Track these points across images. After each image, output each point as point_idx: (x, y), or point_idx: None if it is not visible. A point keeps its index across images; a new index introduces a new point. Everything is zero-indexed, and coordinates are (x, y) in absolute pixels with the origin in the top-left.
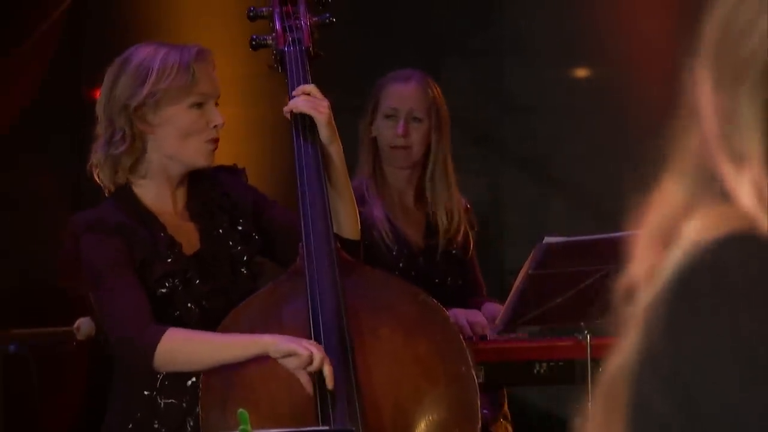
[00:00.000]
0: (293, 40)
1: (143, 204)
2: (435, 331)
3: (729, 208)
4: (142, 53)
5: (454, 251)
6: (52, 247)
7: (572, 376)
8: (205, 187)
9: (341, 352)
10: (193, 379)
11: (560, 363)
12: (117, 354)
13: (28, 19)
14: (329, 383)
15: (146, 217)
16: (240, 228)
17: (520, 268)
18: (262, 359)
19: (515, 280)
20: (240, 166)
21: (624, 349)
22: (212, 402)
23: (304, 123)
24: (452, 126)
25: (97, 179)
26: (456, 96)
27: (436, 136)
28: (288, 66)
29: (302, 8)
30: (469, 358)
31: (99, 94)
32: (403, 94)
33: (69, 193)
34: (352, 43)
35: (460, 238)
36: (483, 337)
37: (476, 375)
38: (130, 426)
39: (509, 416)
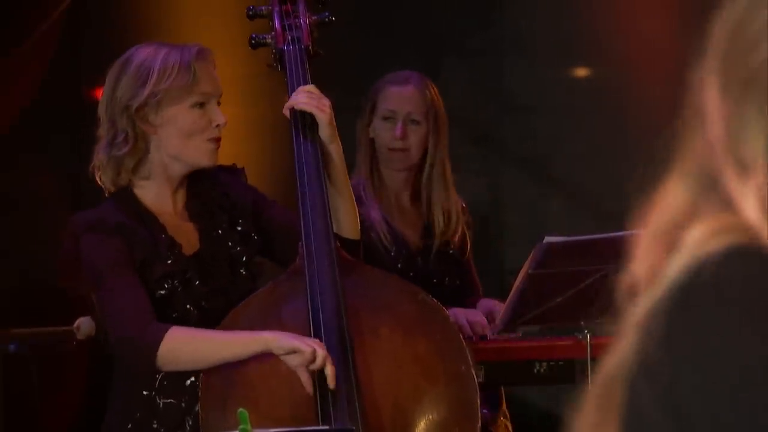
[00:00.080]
0: (292, 39)
1: (143, 204)
2: (435, 330)
3: (732, 217)
4: (142, 54)
5: (451, 251)
6: (52, 247)
7: (572, 375)
8: (205, 186)
9: (341, 351)
10: (192, 378)
11: (560, 362)
12: (119, 354)
13: (27, 19)
14: (331, 383)
15: (146, 218)
16: (239, 228)
17: (520, 268)
18: (263, 358)
19: (515, 280)
20: (239, 165)
21: (621, 351)
22: (212, 401)
23: (304, 122)
24: (452, 126)
25: (99, 181)
26: (456, 96)
27: (434, 139)
28: (287, 65)
29: (301, 7)
30: (469, 357)
31: (101, 96)
32: (401, 96)
33: (69, 193)
34: (352, 42)
35: (457, 238)
36: (483, 337)
37: (476, 374)
38: (130, 426)
39: (509, 415)
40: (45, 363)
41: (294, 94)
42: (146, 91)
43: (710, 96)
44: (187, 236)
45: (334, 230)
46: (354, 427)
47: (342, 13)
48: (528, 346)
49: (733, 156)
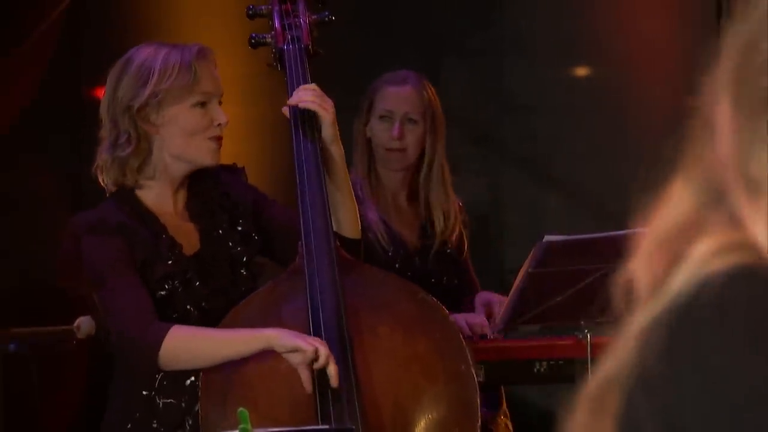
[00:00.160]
0: (292, 38)
1: (144, 205)
2: (434, 329)
3: (738, 234)
4: (143, 54)
5: (448, 251)
6: (52, 247)
7: (572, 374)
8: (205, 186)
9: (341, 350)
10: (192, 378)
11: (560, 362)
12: (121, 353)
13: (27, 19)
14: (334, 382)
15: (147, 218)
16: (240, 228)
17: (520, 267)
18: (262, 357)
19: (515, 279)
20: (240, 165)
21: (618, 358)
22: (212, 401)
23: (304, 121)
24: (452, 126)
25: (101, 182)
26: (456, 96)
27: (432, 139)
28: (287, 64)
29: (301, 6)
30: (469, 357)
31: (101, 96)
32: (398, 96)
33: (69, 193)
34: (352, 41)
35: (454, 237)
36: (483, 336)
37: (476, 374)
38: (129, 425)
39: (509, 414)
40: (45, 362)
41: (297, 91)
42: (147, 91)
43: (721, 109)
44: (188, 236)
45: (335, 229)
46: (354, 427)
47: (342, 12)
48: (528, 345)
49: (742, 173)
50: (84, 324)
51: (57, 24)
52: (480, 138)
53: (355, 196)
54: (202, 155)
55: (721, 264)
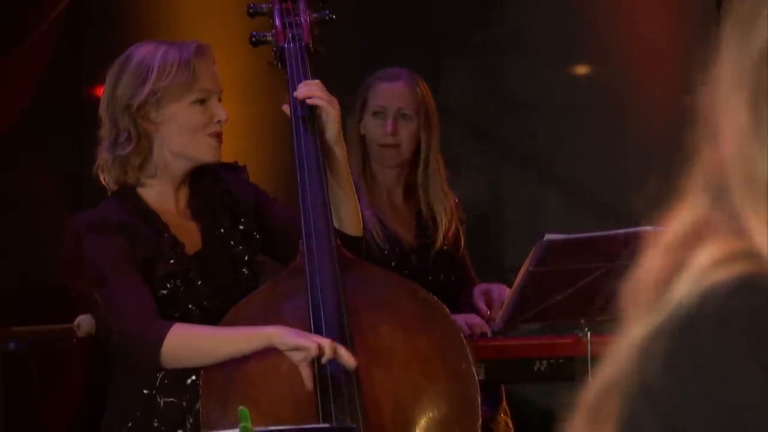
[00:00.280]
0: (293, 37)
1: (146, 203)
2: (435, 328)
3: (741, 242)
4: (141, 52)
5: (445, 247)
6: (52, 246)
7: (572, 373)
8: (207, 183)
9: None
10: (193, 377)
11: (560, 360)
12: (122, 351)
13: (26, 19)
14: (350, 363)
15: (149, 216)
16: (241, 227)
17: (521, 266)
18: (264, 356)
19: (516, 278)
20: (241, 163)
21: (617, 367)
22: (213, 399)
23: (305, 118)
24: (452, 124)
25: (103, 182)
26: (456, 94)
27: (426, 134)
28: (288, 62)
29: (302, 5)
30: (470, 355)
31: (101, 96)
32: (391, 92)
33: (69, 193)
34: (353, 40)
35: (450, 234)
36: (483, 335)
37: (476, 372)
38: (130, 424)
39: (509, 412)
40: (45, 361)
41: (302, 86)
42: (146, 90)
43: (726, 110)
44: (190, 235)
45: (337, 227)
46: (354, 425)
47: (342, 11)
48: (528, 344)
49: (746, 176)
50: (84, 323)
51: (57, 24)
52: (480, 136)
53: None
54: (203, 152)
55: (724, 274)
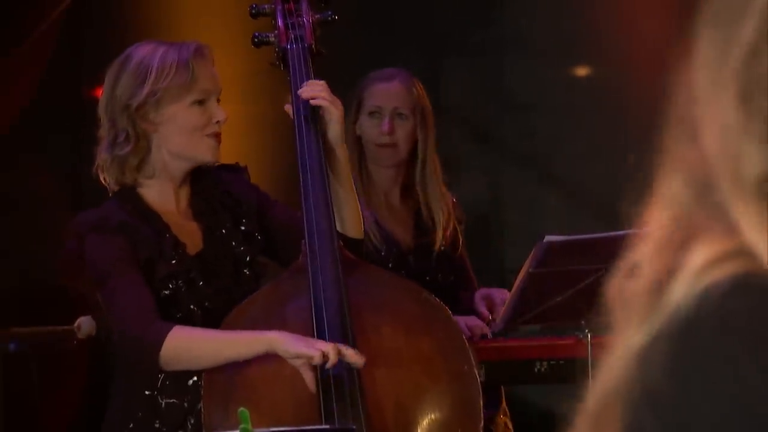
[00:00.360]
0: (295, 38)
1: (147, 203)
2: (437, 329)
3: (734, 241)
4: (141, 52)
5: (443, 247)
6: (52, 247)
7: (573, 374)
8: (207, 184)
9: None
10: (195, 378)
11: (561, 361)
12: (122, 352)
13: (27, 19)
14: (359, 360)
15: (150, 217)
16: (243, 228)
17: (521, 267)
18: (266, 358)
19: (516, 279)
20: (241, 163)
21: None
22: (215, 401)
23: (308, 119)
24: (452, 124)
25: (103, 182)
26: (456, 94)
27: (423, 134)
28: (290, 63)
29: (304, 5)
30: (472, 357)
31: (101, 96)
32: (387, 92)
33: (69, 193)
34: (354, 40)
35: (448, 233)
36: (483, 336)
37: (477, 373)
38: (131, 425)
39: (508, 413)
40: (45, 362)
41: (306, 85)
42: (145, 90)
43: (710, 108)
44: (191, 235)
45: (338, 229)
46: (355, 426)
47: (344, 11)
48: (528, 345)
49: (733, 173)
50: (84, 324)
51: (57, 24)
52: (480, 137)
53: None
54: (202, 152)
55: (719, 274)
